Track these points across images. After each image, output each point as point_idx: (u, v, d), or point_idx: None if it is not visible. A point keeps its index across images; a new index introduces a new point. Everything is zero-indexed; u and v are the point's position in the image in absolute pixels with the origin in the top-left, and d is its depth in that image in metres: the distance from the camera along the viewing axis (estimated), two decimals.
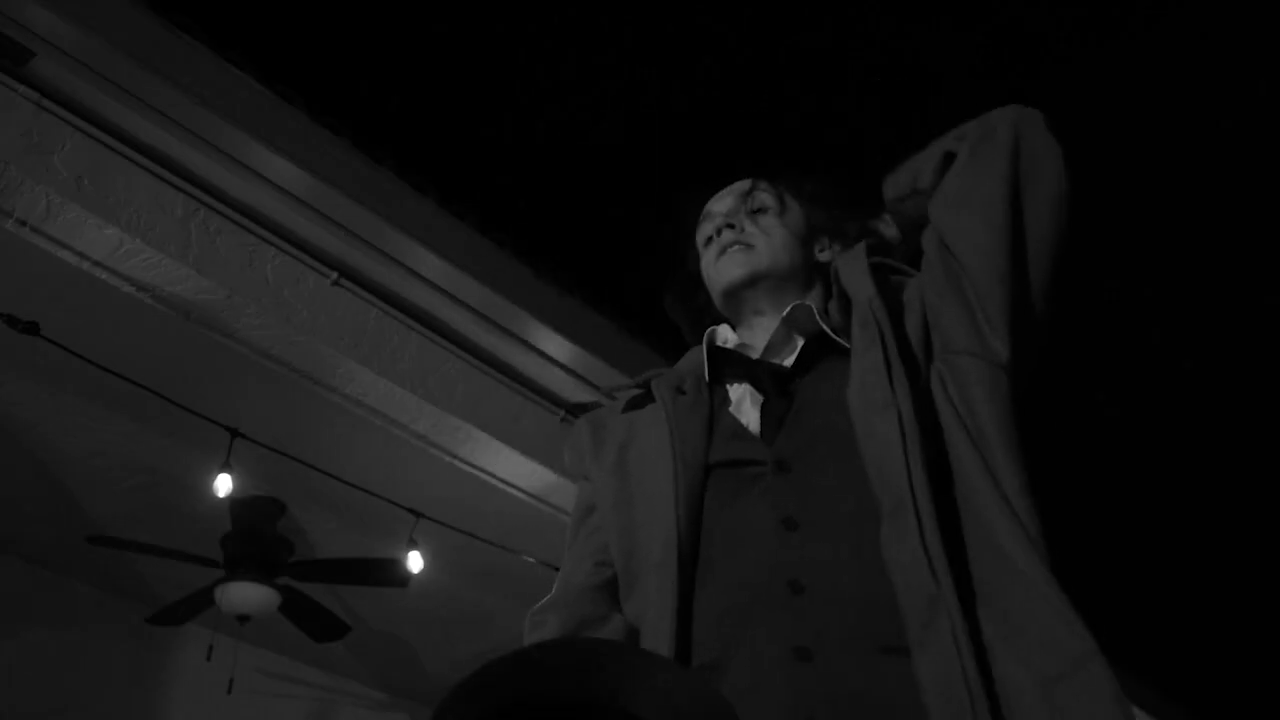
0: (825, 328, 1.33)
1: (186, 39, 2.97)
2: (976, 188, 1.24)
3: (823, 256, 1.46)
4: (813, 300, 1.41)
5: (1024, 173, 1.23)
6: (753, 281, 1.40)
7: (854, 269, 1.30)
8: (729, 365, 1.37)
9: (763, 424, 1.28)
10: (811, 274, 1.44)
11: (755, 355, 1.37)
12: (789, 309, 1.36)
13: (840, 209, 1.48)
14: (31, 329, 3.30)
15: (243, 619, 4.45)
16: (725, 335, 1.44)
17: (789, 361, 1.34)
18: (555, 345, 3.73)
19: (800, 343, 1.35)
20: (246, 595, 4.36)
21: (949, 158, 1.31)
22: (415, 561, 4.23)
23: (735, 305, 1.43)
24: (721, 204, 1.50)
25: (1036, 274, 1.22)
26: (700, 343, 1.46)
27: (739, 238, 1.43)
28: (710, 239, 1.47)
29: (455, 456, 3.76)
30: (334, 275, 3.37)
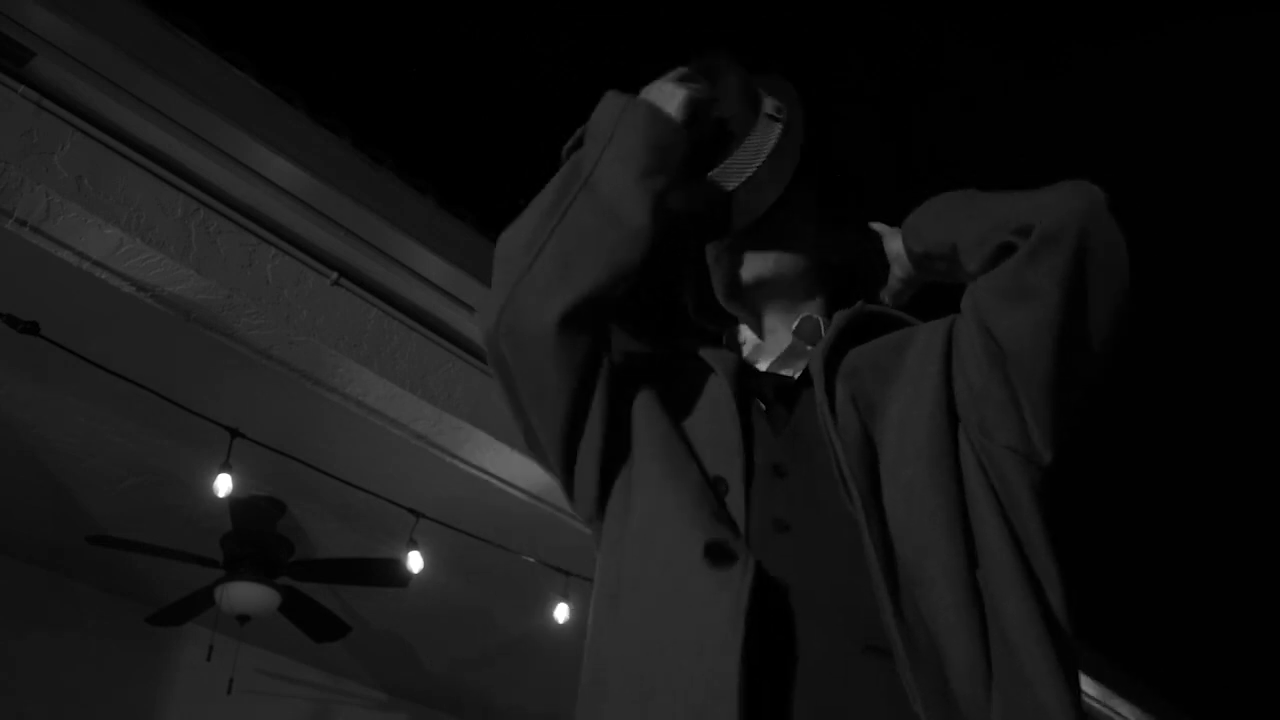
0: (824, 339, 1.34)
1: (186, 39, 2.97)
2: (1035, 290, 1.16)
3: (833, 258, 1.44)
4: (819, 305, 1.40)
5: (1089, 278, 1.16)
6: (758, 286, 1.38)
7: (815, 360, 1.26)
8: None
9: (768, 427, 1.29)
10: (820, 276, 1.43)
11: (765, 365, 1.37)
12: (798, 322, 1.36)
13: (853, 205, 1.46)
14: (31, 329, 3.30)
15: (243, 619, 4.45)
16: (745, 336, 1.42)
17: (796, 373, 1.34)
18: None
19: (807, 353, 1.35)
20: (246, 595, 4.36)
21: (1005, 249, 1.20)
22: (415, 561, 4.23)
23: (738, 304, 1.42)
24: None
25: (1087, 374, 1.19)
26: (704, 323, 1.47)
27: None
28: None
29: (455, 456, 3.76)
30: (334, 275, 3.36)
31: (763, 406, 1.31)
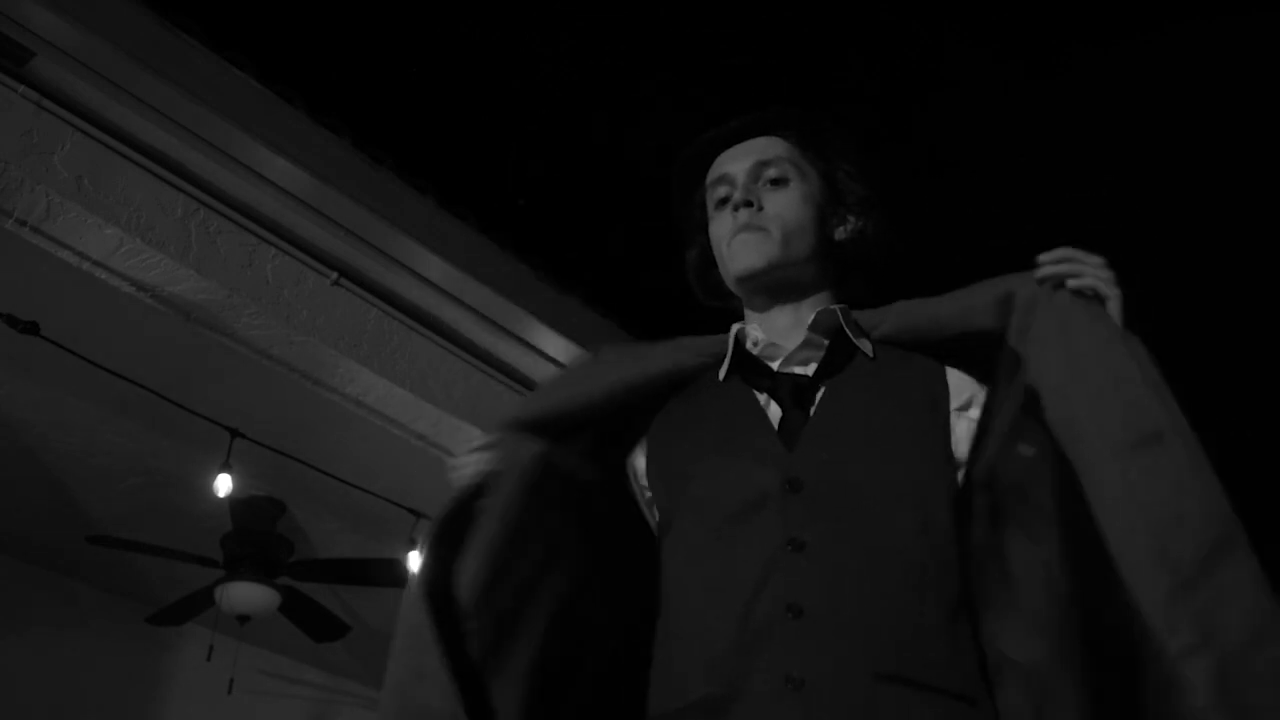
0: (848, 332, 1.30)
1: (186, 39, 2.97)
2: None
3: (839, 235, 1.39)
4: (829, 289, 1.37)
5: None
6: (768, 271, 1.34)
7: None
8: (753, 370, 1.32)
9: (779, 439, 1.24)
10: (828, 255, 1.38)
11: (777, 361, 1.31)
12: (814, 316, 1.31)
13: (858, 179, 1.42)
14: (31, 329, 3.30)
15: (243, 619, 4.45)
16: (756, 337, 1.35)
17: (810, 369, 1.30)
18: (555, 345, 3.73)
19: (825, 346, 1.31)
20: (246, 595, 4.36)
21: None
22: (415, 561, 4.23)
23: (748, 290, 1.38)
24: (736, 165, 1.40)
25: None
26: (709, 301, 1.46)
27: (755, 219, 1.34)
28: (723, 201, 1.39)
29: (455, 456, 3.76)
30: (334, 275, 3.37)
31: (779, 412, 1.26)
